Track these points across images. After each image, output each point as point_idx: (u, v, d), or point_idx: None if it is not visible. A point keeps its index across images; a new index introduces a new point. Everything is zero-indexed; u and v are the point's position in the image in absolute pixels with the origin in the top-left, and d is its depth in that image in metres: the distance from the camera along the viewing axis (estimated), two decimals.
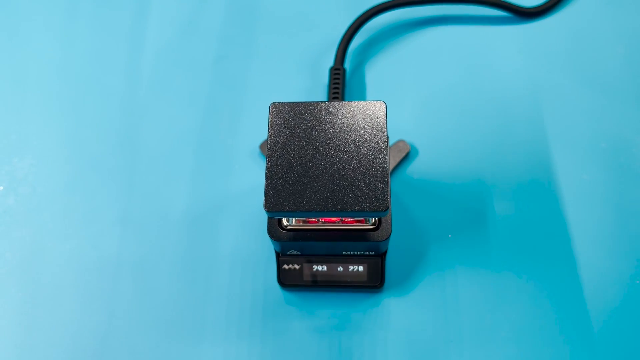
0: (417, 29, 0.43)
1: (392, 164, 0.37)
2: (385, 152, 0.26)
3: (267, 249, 0.35)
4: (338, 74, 0.39)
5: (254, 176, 0.38)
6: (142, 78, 0.41)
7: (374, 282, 0.33)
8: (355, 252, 0.32)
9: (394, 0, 0.41)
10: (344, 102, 0.28)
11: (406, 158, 0.38)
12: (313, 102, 0.28)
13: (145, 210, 0.37)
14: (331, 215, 0.26)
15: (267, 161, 0.26)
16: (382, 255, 0.33)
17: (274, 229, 0.29)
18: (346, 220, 0.29)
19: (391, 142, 0.38)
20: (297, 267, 0.33)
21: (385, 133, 0.27)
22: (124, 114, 0.40)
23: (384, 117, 0.27)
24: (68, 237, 0.36)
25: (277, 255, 0.33)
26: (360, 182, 0.26)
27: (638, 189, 0.36)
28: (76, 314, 0.34)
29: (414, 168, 0.37)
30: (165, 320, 0.34)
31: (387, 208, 0.25)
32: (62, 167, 0.38)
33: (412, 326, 0.33)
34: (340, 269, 0.33)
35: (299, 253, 0.32)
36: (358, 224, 0.29)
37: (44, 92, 0.41)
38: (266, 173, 0.26)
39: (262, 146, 0.38)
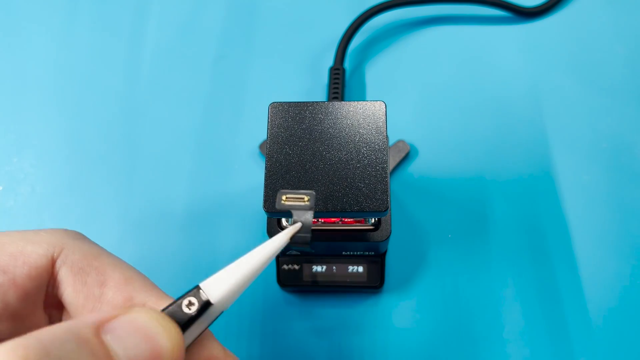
0: (417, 29, 0.43)
1: (392, 164, 0.37)
2: (385, 152, 0.26)
3: None
4: (338, 73, 0.39)
5: (253, 176, 0.37)
6: (142, 78, 0.41)
7: (374, 283, 0.33)
8: (355, 253, 0.32)
9: (393, 0, 0.41)
10: (343, 102, 0.28)
11: (406, 158, 0.38)
12: (313, 102, 0.28)
13: (144, 210, 0.37)
14: (331, 215, 0.26)
15: (267, 161, 0.26)
16: (381, 256, 0.33)
17: (274, 229, 0.29)
18: (346, 220, 0.29)
19: (391, 142, 0.38)
20: (296, 267, 0.33)
21: (385, 133, 0.27)
22: (123, 113, 0.40)
23: (384, 117, 0.27)
24: None
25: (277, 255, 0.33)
26: (360, 182, 0.26)
27: (638, 189, 0.36)
28: None
29: (414, 168, 0.37)
30: None
31: (386, 208, 0.25)
32: (62, 167, 0.38)
33: (412, 326, 0.33)
34: (339, 269, 0.33)
35: (299, 253, 0.32)
36: (358, 224, 0.29)
37: (44, 91, 0.41)
38: (265, 173, 0.26)
39: (261, 146, 0.38)
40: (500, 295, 0.34)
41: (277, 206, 0.24)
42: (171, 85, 0.41)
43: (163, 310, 0.19)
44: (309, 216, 0.23)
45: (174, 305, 0.19)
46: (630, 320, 0.33)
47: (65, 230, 0.21)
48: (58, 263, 0.20)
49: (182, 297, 0.20)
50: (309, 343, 0.33)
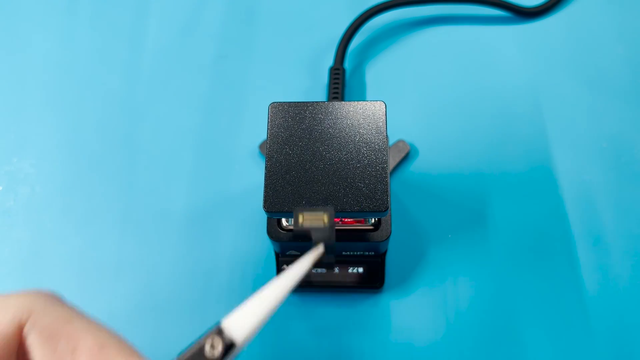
0: (417, 29, 0.43)
1: (392, 164, 0.37)
2: (385, 152, 0.26)
3: (266, 249, 0.35)
4: (338, 73, 0.39)
5: (253, 176, 0.37)
6: (142, 78, 0.41)
7: (374, 283, 0.33)
8: (355, 253, 0.32)
9: (394, 0, 0.41)
10: (343, 102, 0.28)
11: (406, 158, 0.38)
12: (312, 102, 0.28)
13: (144, 210, 0.37)
14: None
15: (267, 161, 0.26)
16: (382, 256, 0.33)
17: (274, 229, 0.29)
18: (346, 220, 0.29)
19: (391, 142, 0.38)
20: None
21: (384, 133, 0.27)
22: (123, 113, 0.40)
23: (384, 117, 0.27)
24: (68, 237, 0.36)
25: (277, 255, 0.33)
26: (360, 183, 0.26)
27: (638, 189, 0.36)
28: None
29: (414, 168, 0.37)
30: (164, 320, 0.34)
31: (386, 208, 0.25)
32: (61, 167, 0.38)
33: (412, 326, 0.33)
34: (340, 269, 0.33)
35: (299, 253, 0.32)
36: (358, 224, 0.29)
37: (44, 91, 0.41)
38: (265, 173, 0.26)
39: (261, 146, 0.38)
40: (500, 295, 0.34)
41: (294, 228, 0.22)
42: (171, 85, 0.41)
43: (183, 351, 0.18)
44: (330, 236, 0.22)
45: (195, 346, 0.18)
46: (630, 320, 0.33)
47: (38, 292, 0.20)
48: (26, 328, 0.19)
49: (204, 337, 0.18)
50: (309, 343, 0.33)
